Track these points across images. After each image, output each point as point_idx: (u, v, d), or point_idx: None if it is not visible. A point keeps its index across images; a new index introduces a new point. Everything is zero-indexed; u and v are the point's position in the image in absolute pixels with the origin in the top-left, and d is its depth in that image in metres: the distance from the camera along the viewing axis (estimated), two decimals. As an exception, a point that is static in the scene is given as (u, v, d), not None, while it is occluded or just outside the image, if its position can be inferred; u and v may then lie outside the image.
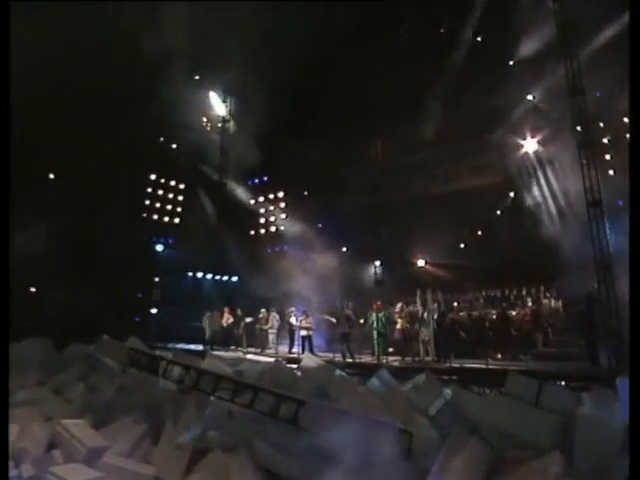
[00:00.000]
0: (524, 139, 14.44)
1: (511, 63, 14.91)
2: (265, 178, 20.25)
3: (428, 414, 6.30)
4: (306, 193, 19.36)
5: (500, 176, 14.44)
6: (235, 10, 14.54)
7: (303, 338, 12.16)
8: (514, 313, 13.31)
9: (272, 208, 20.32)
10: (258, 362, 9.56)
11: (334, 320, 11.95)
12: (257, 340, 13.59)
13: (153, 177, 18.60)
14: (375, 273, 16.86)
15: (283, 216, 20.10)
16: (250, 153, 18.39)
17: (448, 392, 6.64)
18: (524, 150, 14.47)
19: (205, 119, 18.07)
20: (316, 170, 17.96)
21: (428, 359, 10.65)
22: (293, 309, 13.08)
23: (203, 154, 18.57)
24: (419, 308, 11.12)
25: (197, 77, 17.28)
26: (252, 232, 20.59)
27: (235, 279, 19.63)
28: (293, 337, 12.80)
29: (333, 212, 18.22)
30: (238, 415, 7.35)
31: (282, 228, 20.13)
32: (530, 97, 14.32)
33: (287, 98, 16.43)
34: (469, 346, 10.91)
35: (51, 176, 18.20)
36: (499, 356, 11.59)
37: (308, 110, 16.96)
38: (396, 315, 11.50)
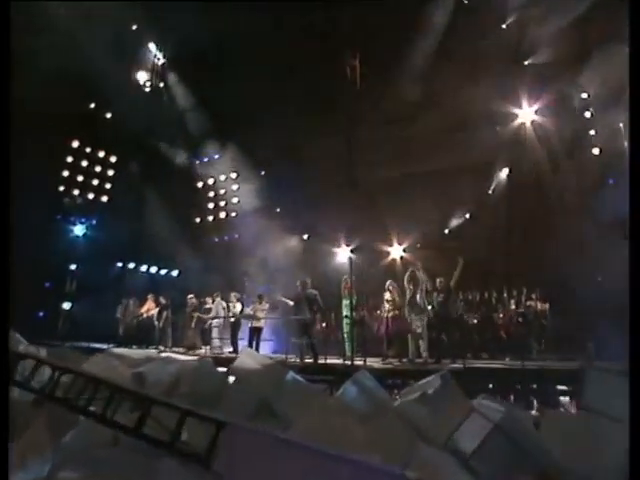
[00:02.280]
0: (519, 108, 12.27)
1: (504, 26, 12.95)
2: (216, 156, 17.24)
3: (453, 448, 3.57)
4: (263, 173, 16.53)
5: (491, 151, 12.17)
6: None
7: (252, 331, 9.30)
8: (500, 316, 11.65)
9: (222, 192, 17.39)
10: (175, 361, 6.60)
11: (291, 303, 9.16)
12: (189, 336, 10.49)
13: (75, 144, 15.24)
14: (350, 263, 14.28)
15: (235, 200, 17.19)
16: (196, 121, 15.61)
17: (487, 407, 3.86)
18: (519, 121, 12.30)
19: (144, 77, 14.96)
20: (276, 144, 15.32)
21: (420, 360, 8.05)
22: (237, 294, 10.20)
23: (141, 121, 15.52)
24: (408, 288, 8.45)
25: (135, 27, 14.28)
26: (198, 219, 17.52)
27: (174, 272, 16.49)
28: (236, 332, 9.85)
29: (293, 195, 15.50)
30: (126, 444, 4.43)
31: (233, 214, 17.23)
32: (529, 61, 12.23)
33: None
34: (451, 349, 8.50)
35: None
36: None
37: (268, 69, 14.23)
38: (386, 295, 8.73)
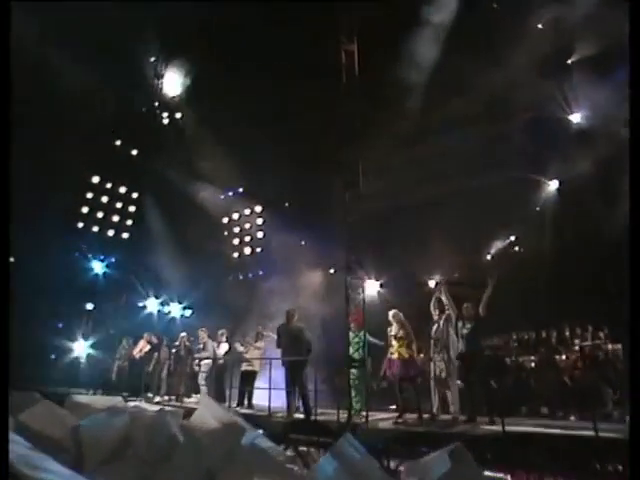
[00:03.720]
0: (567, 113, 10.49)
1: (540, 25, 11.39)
2: (240, 189, 16.47)
3: None
4: (287, 205, 15.52)
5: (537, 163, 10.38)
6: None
7: (243, 376, 7.82)
8: (563, 357, 9.62)
9: (248, 226, 16.47)
10: (125, 414, 5.27)
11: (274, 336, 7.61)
12: (174, 382, 9.09)
13: (96, 180, 14.94)
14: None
15: (260, 235, 16.19)
16: (218, 155, 14.93)
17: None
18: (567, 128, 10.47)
19: (160, 109, 14.59)
20: (298, 175, 14.30)
21: (447, 417, 6.28)
22: (224, 331, 8.84)
23: (161, 154, 15.13)
24: (434, 314, 6.75)
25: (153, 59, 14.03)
26: (222, 253, 16.60)
27: (188, 312, 15.48)
28: (221, 378, 8.38)
29: (318, 226, 14.27)
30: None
31: (259, 250, 16.19)
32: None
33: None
34: (501, 401, 6.51)
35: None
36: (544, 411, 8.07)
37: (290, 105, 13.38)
38: (392, 329, 7.04)
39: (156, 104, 14.24)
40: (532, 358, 9.95)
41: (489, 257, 11.42)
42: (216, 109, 13.08)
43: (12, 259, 13.17)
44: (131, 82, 13.55)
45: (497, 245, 11.29)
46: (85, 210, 14.81)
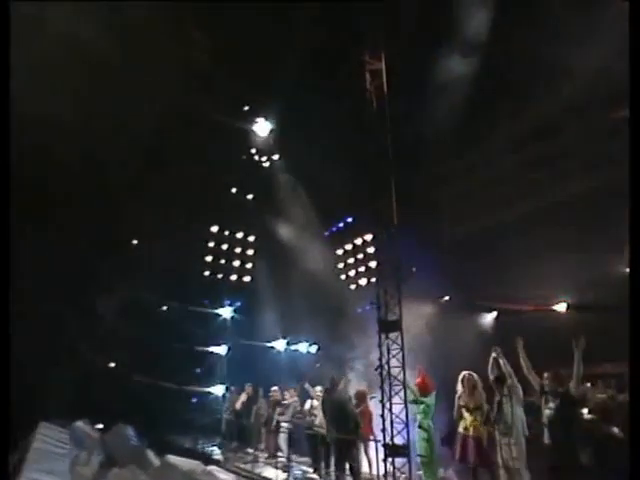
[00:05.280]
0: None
1: None
2: (349, 219, 15.98)
3: None
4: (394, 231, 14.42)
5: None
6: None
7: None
8: None
9: (361, 257, 15.84)
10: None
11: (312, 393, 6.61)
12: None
13: (215, 229, 15.99)
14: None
15: (373, 264, 15.36)
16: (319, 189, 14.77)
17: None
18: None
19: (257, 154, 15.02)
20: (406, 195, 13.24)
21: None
22: (308, 385, 8.17)
23: (266, 197, 15.59)
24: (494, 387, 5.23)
25: (246, 108, 14.56)
26: (337, 287, 16.20)
27: (312, 349, 15.26)
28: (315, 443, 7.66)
29: (429, 249, 13.00)
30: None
31: (373, 280, 15.35)
32: None
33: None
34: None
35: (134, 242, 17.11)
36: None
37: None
38: (461, 397, 5.63)
39: (253, 150, 14.68)
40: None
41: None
42: (298, 146, 12.99)
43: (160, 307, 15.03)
44: (229, 132, 14.19)
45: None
46: (209, 259, 15.87)
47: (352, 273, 16.02)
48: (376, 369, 7.04)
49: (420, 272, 13.28)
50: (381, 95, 7.43)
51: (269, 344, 15.18)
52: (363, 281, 15.67)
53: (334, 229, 16.43)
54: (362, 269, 15.70)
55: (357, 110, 8.35)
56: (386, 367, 6.99)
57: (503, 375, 5.37)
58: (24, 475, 6.50)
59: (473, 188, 11.80)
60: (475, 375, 5.84)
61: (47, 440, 8.24)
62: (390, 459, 5.87)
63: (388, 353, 7.19)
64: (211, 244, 15.96)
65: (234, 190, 16.19)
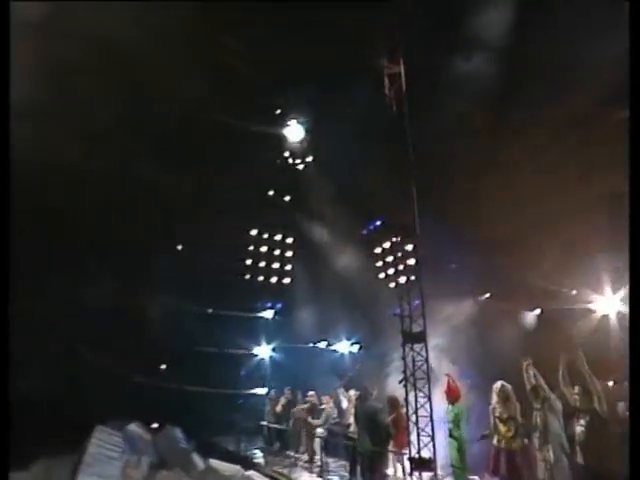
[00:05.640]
0: None
1: None
2: (378, 222, 15.93)
3: None
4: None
5: None
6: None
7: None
8: None
9: (400, 255, 15.67)
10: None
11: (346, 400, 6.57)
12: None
13: (254, 233, 16.31)
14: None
15: (412, 262, 15.21)
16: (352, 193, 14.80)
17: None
18: None
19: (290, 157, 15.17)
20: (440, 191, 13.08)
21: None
22: (343, 392, 8.19)
23: (301, 198, 15.78)
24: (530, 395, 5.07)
25: (279, 111, 14.77)
26: (376, 286, 16.14)
27: (354, 348, 15.32)
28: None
29: (468, 246, 12.79)
30: None
31: (412, 278, 15.22)
32: None
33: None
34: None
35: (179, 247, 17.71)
36: None
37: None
38: (496, 407, 5.49)
39: (287, 153, 14.87)
40: None
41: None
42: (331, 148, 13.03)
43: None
44: (262, 136, 14.42)
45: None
46: (249, 262, 16.22)
47: (391, 271, 15.90)
48: (400, 381, 7.01)
49: (460, 269, 13.09)
50: (400, 98, 7.34)
51: (310, 345, 15.39)
52: (403, 279, 15.54)
53: (371, 227, 16.36)
54: (401, 267, 15.56)
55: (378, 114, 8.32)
56: (411, 379, 6.94)
57: (537, 385, 5.20)
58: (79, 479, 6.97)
59: (512, 182, 11.43)
60: (508, 386, 5.67)
61: (101, 444, 8.78)
62: (416, 473, 5.82)
63: (413, 365, 7.14)
64: (250, 247, 16.27)
65: (271, 193, 16.48)
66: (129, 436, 9.86)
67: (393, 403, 7.43)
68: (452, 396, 6.72)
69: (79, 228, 13.55)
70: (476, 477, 6.81)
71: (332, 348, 15.52)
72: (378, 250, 16.41)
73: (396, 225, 14.63)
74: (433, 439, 6.14)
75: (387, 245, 16.10)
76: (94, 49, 10.54)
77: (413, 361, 7.30)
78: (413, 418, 6.48)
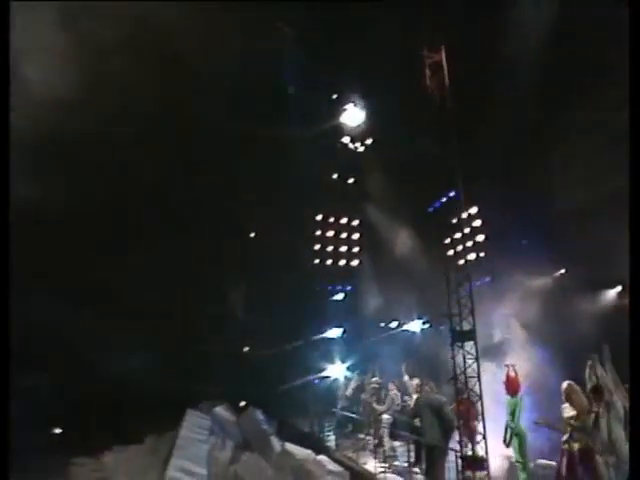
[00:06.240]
0: None
1: None
2: (452, 194, 15.45)
3: None
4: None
5: None
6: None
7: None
8: None
9: (467, 231, 15.27)
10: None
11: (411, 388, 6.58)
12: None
13: (319, 218, 16.62)
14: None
15: (481, 238, 14.85)
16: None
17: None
18: None
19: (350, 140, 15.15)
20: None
21: None
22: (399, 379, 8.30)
23: (364, 180, 15.83)
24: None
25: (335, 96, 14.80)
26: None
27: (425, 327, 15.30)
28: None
29: (540, 221, 12.26)
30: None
31: (482, 254, 14.88)
32: None
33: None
34: None
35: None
36: None
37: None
38: (566, 409, 5.37)
39: (346, 136, 14.90)
40: None
41: None
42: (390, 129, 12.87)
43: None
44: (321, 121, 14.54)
45: None
46: (317, 247, 16.61)
47: (460, 248, 15.56)
48: (449, 380, 6.96)
49: (531, 244, 12.58)
50: (443, 88, 7.06)
51: (381, 325, 15.62)
52: (472, 256, 15.17)
53: (437, 204, 16.01)
54: (470, 244, 15.17)
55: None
56: (462, 378, 6.86)
57: (599, 386, 4.99)
58: (172, 463, 7.84)
59: (585, 154, 10.67)
60: (574, 385, 5.44)
61: (192, 427, 9.68)
62: (468, 472, 5.85)
63: (464, 362, 7.04)
64: (317, 232, 16.61)
65: (334, 176, 16.60)
66: (217, 419, 10.69)
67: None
68: (512, 388, 6.58)
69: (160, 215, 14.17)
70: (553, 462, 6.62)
71: (404, 328, 15.64)
72: (445, 228, 16.12)
73: (464, 200, 14.26)
74: (485, 437, 6.11)
75: (454, 222, 15.76)
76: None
77: (464, 359, 7.24)
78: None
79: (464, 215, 15.29)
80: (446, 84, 7.27)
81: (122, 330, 12.35)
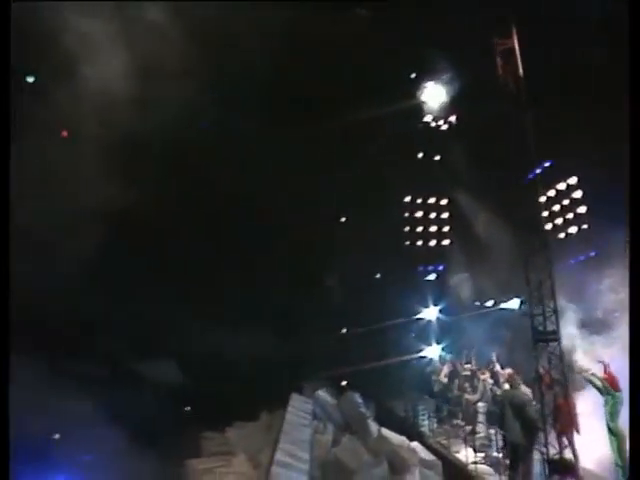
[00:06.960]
0: None
1: None
2: (547, 164, 14.59)
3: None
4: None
5: None
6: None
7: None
8: None
9: (566, 202, 14.41)
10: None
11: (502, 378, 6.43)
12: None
13: (407, 199, 16.65)
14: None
15: (582, 209, 13.93)
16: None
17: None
18: None
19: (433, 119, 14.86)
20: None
21: None
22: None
23: (450, 158, 15.50)
24: None
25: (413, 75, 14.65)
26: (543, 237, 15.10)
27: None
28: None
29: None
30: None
31: (584, 227, 13.98)
32: None
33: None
34: None
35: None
36: None
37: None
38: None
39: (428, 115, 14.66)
40: None
41: None
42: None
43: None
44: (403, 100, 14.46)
45: None
46: (407, 229, 16.71)
47: (559, 221, 14.65)
48: (534, 380, 6.76)
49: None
50: (517, 77, 6.71)
51: (476, 304, 15.40)
52: (573, 229, 14.24)
53: (531, 176, 15.14)
54: (570, 216, 14.25)
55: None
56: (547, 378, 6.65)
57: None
58: (280, 447, 8.76)
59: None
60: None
61: (296, 412, 10.60)
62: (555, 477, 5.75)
63: (550, 363, 6.80)
64: (406, 214, 16.67)
65: (420, 155, 16.41)
66: (319, 402, 11.54)
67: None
68: (611, 384, 6.29)
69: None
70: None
71: (502, 306, 15.25)
72: (543, 199, 15.23)
73: (563, 170, 13.39)
74: (571, 443, 5.91)
75: (552, 194, 14.85)
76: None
77: (549, 360, 7.02)
78: (550, 419, 6.35)
79: (562, 186, 14.41)
80: (519, 72, 6.89)
81: (237, 320, 13.88)
